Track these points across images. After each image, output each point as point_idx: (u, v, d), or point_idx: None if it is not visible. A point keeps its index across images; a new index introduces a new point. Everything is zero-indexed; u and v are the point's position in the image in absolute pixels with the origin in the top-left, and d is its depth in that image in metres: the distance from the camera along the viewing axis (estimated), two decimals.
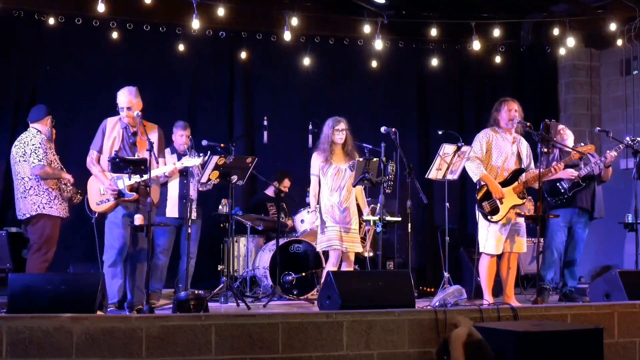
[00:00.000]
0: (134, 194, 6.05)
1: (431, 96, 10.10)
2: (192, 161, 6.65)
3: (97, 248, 6.35)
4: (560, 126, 7.45)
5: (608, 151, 7.17)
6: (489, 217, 6.41)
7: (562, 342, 4.71)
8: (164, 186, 7.07)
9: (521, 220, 6.54)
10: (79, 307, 4.95)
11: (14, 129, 7.99)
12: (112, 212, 6.15)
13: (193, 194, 7.16)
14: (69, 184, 6.29)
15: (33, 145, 6.19)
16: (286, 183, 8.60)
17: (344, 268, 6.73)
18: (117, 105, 6.19)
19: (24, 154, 6.19)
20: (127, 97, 6.09)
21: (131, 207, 6.12)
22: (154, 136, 6.16)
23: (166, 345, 4.68)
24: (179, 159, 6.85)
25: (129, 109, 6.06)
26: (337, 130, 6.71)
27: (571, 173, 7.15)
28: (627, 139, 7.29)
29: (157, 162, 6.25)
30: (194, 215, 6.94)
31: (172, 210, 7.12)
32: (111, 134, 6.11)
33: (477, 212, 6.53)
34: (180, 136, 7.28)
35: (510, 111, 6.54)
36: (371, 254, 7.74)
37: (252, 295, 7.66)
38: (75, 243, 8.05)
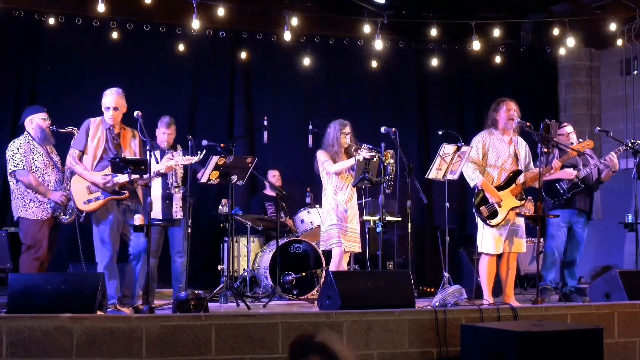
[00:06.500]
0: (125, 192, 5.99)
1: (431, 96, 10.10)
2: (186, 159, 6.55)
3: (79, 248, 6.24)
4: (569, 129, 7.39)
5: (612, 152, 7.15)
6: (487, 222, 6.39)
7: (562, 342, 4.71)
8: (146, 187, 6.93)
9: (520, 221, 6.51)
10: (79, 307, 4.94)
11: (13, 129, 7.97)
12: (100, 211, 5.93)
13: (174, 192, 7.02)
14: (61, 203, 6.18)
15: (12, 151, 6.16)
16: (270, 177, 8.56)
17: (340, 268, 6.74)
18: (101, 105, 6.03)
19: (6, 158, 6.21)
20: (114, 97, 5.98)
21: (120, 206, 5.98)
22: (135, 139, 6.12)
23: (166, 345, 4.67)
24: (161, 156, 6.61)
25: (115, 109, 5.97)
26: (344, 134, 6.76)
27: (570, 173, 7.13)
28: (628, 142, 7.26)
29: (157, 161, 6.23)
30: (179, 215, 6.83)
31: (155, 212, 6.72)
32: (95, 135, 5.97)
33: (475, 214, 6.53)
34: (163, 133, 7.01)
35: (510, 111, 6.50)
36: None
37: (252, 296, 7.65)
38: (75, 243, 8.01)
